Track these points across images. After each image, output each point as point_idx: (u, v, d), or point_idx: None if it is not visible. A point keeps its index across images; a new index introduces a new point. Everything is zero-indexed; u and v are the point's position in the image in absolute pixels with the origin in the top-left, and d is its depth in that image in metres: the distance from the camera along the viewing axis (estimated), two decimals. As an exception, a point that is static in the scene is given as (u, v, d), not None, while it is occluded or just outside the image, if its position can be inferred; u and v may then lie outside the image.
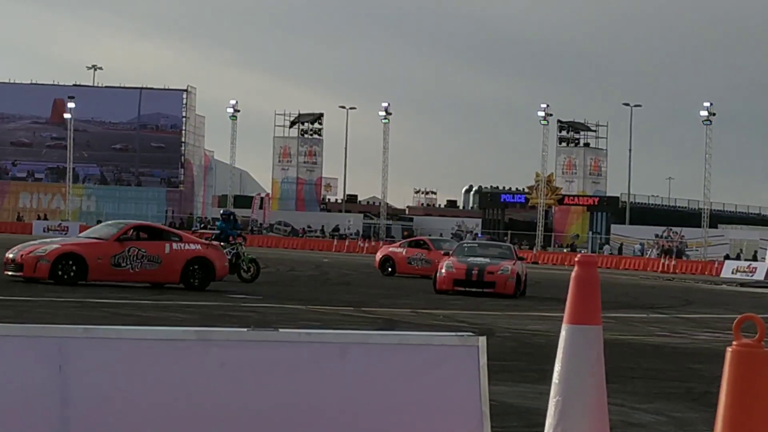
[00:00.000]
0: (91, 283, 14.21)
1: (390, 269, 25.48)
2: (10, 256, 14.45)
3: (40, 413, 2.01)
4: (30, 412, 1.99)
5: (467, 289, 17.20)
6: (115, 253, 14.32)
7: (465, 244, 22.44)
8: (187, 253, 15.01)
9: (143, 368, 2.12)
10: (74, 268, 14.03)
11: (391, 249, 28.18)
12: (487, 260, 17.94)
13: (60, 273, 13.93)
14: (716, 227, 59.47)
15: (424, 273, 23.42)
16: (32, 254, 14.13)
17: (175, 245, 15.17)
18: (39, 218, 59.84)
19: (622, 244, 57.95)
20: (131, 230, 15.48)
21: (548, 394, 2.82)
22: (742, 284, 35.42)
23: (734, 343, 2.35)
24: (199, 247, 15.49)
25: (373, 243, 51.53)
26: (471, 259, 18.16)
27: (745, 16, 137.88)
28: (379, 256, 27.57)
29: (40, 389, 2.01)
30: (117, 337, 2.17)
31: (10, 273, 14.30)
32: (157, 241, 15.25)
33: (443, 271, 17.62)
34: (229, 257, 17.21)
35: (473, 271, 17.26)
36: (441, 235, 45.57)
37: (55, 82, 65.72)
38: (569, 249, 55.63)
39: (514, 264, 17.82)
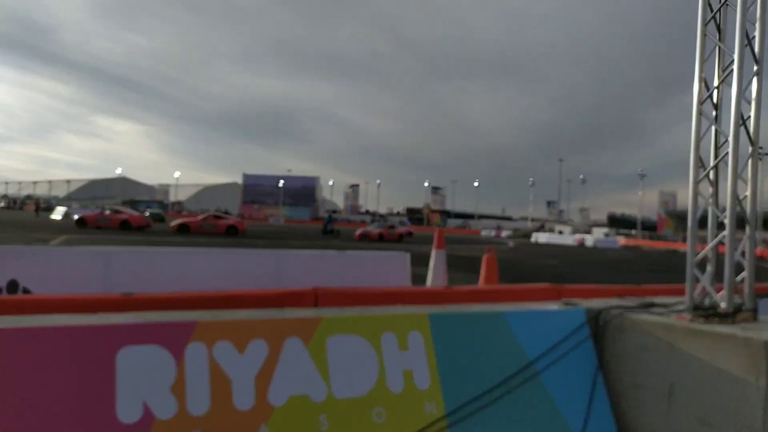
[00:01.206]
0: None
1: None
2: None
3: (93, 278, 4.72)
4: (89, 279, 4.77)
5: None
6: None
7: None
8: None
9: (154, 263, 5.56)
10: None
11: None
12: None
13: None
14: None
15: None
16: None
17: None
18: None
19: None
20: None
21: (428, 270, 8.11)
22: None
23: (486, 254, 7.73)
24: None
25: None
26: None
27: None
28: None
29: (95, 269, 5.12)
30: (133, 251, 6.32)
31: None
32: None
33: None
34: (330, 229, 36.91)
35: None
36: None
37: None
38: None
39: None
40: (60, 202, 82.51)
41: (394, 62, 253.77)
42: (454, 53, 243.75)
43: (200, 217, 30.60)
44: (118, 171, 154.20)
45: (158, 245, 15.21)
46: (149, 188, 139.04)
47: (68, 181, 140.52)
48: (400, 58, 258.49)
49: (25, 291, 4.24)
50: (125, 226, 29.01)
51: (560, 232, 72.44)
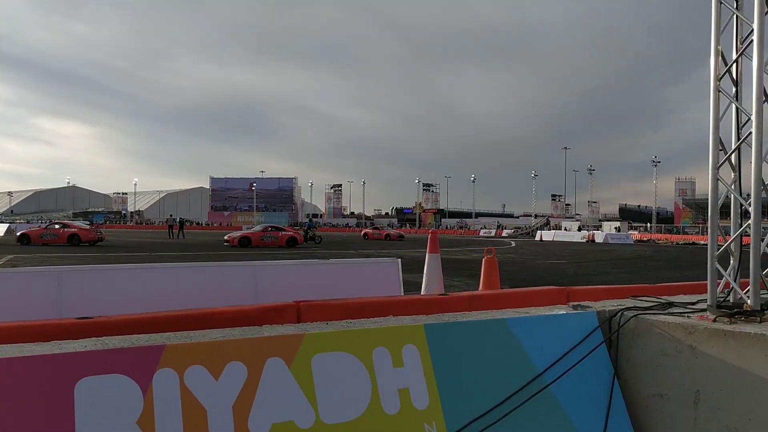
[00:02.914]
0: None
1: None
2: None
3: (45, 302, 4.63)
4: (40, 303, 4.66)
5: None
6: None
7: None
8: None
9: (115, 283, 5.56)
10: None
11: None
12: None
13: None
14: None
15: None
16: None
17: None
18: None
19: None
20: None
21: (422, 276, 8.13)
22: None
23: (485, 256, 7.75)
24: None
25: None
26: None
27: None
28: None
29: (46, 292, 4.66)
30: (90, 270, 6.64)
31: None
32: None
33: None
34: (311, 235, 36.94)
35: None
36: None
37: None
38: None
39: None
40: (1, 217, 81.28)
41: (376, 45, 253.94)
42: (444, 33, 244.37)
43: (42, 226, 34.10)
44: (68, 180, 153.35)
45: (118, 263, 15.15)
46: (104, 198, 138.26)
47: (10, 193, 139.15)
48: (382, 41, 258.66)
49: (-33, 319, 4.19)
50: None
51: (579, 229, 73.33)
